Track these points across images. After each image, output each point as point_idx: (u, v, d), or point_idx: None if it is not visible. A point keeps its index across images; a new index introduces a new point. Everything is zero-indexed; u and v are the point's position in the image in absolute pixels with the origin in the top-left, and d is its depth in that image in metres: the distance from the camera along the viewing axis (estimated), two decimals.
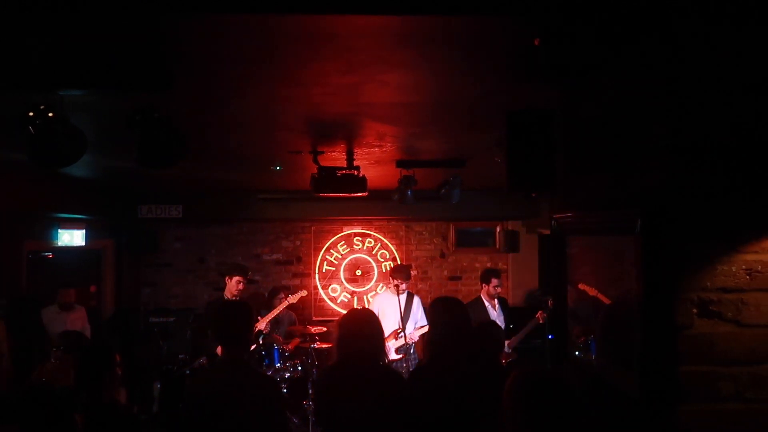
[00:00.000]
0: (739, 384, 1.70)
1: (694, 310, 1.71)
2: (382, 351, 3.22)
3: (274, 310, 6.40)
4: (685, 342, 1.71)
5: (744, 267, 1.71)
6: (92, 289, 7.70)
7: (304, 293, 6.73)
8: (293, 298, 6.50)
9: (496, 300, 6.13)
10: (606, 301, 2.30)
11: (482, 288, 6.18)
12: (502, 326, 6.07)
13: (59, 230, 6.79)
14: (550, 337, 5.86)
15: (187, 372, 6.09)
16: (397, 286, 6.04)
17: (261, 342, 6.12)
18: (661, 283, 1.73)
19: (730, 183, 1.69)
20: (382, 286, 8.56)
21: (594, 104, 2.26)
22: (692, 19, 1.70)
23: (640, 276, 1.78)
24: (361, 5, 1.71)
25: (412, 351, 6.05)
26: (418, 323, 6.13)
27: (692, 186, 1.70)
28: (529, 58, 2.14)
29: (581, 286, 2.55)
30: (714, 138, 1.70)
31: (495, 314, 6.11)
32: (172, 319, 7.82)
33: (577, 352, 2.73)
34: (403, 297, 6.07)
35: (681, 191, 1.71)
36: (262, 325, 6.19)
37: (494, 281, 6.00)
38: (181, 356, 6.68)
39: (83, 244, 7.17)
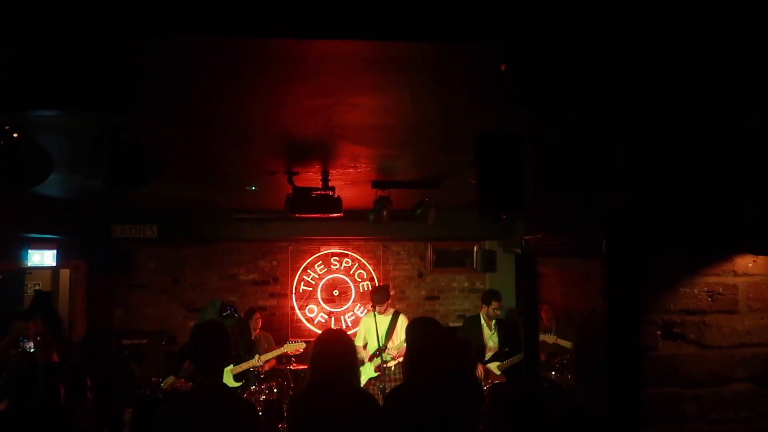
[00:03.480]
0: (702, 405, 1.72)
1: (658, 332, 1.73)
2: (356, 372, 3.20)
3: (274, 351, 6.26)
4: (649, 364, 1.72)
5: (706, 289, 1.74)
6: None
7: (302, 346, 6.36)
8: (289, 347, 6.29)
9: (492, 321, 6.26)
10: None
11: (482, 308, 6.31)
12: (494, 346, 6.20)
13: (29, 250, 6.65)
14: (525, 356, 5.89)
15: (160, 396, 5.97)
16: (374, 306, 6.12)
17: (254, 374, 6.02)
18: (625, 305, 1.75)
19: (692, 206, 1.73)
20: (359, 306, 8.56)
21: (561, 127, 2.30)
22: (651, 46, 1.75)
23: (605, 297, 1.80)
24: (329, 30, 1.72)
25: (393, 369, 6.03)
26: (397, 342, 6.13)
27: (655, 209, 1.74)
28: (497, 82, 2.18)
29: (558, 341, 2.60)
30: (675, 163, 1.74)
31: (489, 334, 6.20)
32: (144, 341, 7.68)
33: (552, 372, 2.74)
34: (386, 317, 6.16)
35: (644, 214, 1.74)
36: (260, 363, 6.04)
37: (494, 303, 6.23)
38: (153, 379, 6.55)
39: (54, 264, 7.03)
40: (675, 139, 1.74)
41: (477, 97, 2.47)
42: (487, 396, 2.10)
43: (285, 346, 6.29)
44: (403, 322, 6.25)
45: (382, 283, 8.62)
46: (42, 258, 6.83)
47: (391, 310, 6.28)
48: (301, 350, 6.34)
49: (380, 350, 5.98)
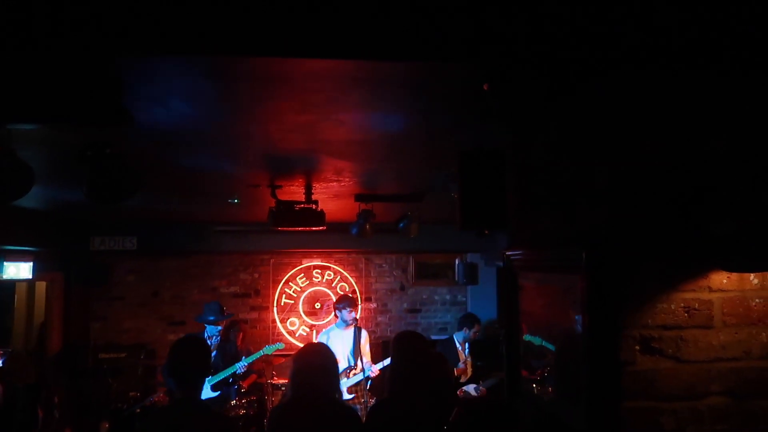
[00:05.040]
0: (680, 419, 1.76)
1: (637, 347, 1.77)
2: (337, 386, 3.20)
3: (255, 354, 6.20)
4: (628, 378, 1.75)
5: (682, 305, 1.79)
6: None
7: (281, 346, 6.47)
8: (269, 349, 6.26)
9: (466, 343, 6.30)
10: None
11: (463, 330, 6.28)
12: (466, 367, 6.21)
13: (5, 262, 6.51)
14: (506, 370, 5.92)
15: (138, 411, 5.88)
16: (355, 319, 5.97)
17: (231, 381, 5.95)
18: (604, 320, 1.79)
19: (669, 224, 1.77)
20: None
21: (542, 145, 2.35)
22: (628, 67, 1.80)
23: (585, 312, 1.84)
24: (314, 49, 1.75)
25: (367, 388, 5.92)
26: (365, 358, 5.98)
27: (634, 226, 1.78)
28: (479, 100, 2.22)
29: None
30: (653, 182, 1.79)
31: (464, 357, 6.22)
32: (122, 355, 7.57)
33: (534, 385, 2.77)
34: (351, 332, 5.95)
35: (623, 231, 1.78)
36: (245, 365, 5.98)
37: (477, 327, 6.30)
38: (131, 394, 6.45)
39: (30, 276, 6.90)
40: (653, 159, 1.79)
41: (460, 114, 2.51)
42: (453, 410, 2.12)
43: (264, 348, 6.23)
44: (366, 337, 6.08)
45: (364, 296, 8.61)
46: (18, 270, 6.70)
47: (353, 326, 6.04)
48: (281, 349, 6.36)
49: (351, 369, 5.85)
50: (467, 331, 6.28)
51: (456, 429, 2.08)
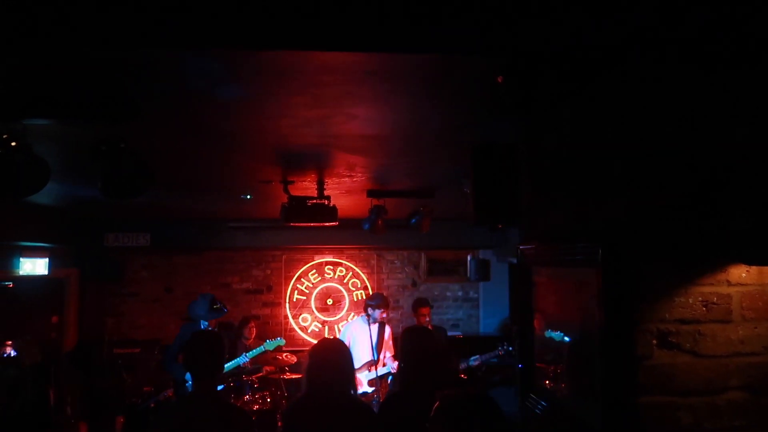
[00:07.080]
0: (697, 414, 1.73)
1: (654, 341, 1.75)
2: (352, 382, 3.20)
3: (256, 349, 6.21)
4: (645, 372, 1.73)
5: (700, 299, 1.76)
6: (54, 319, 7.48)
7: (282, 343, 6.48)
8: (269, 345, 6.29)
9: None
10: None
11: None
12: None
13: (21, 258, 6.61)
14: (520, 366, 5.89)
15: (152, 405, 5.93)
16: (369, 315, 5.95)
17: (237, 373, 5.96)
18: (621, 314, 1.77)
19: (687, 218, 1.75)
20: (353, 315, 8.50)
21: (556, 138, 2.33)
22: (644, 61, 1.78)
23: (602, 307, 1.82)
24: (326, 42, 1.74)
25: (389, 380, 5.92)
26: (390, 353, 6.04)
27: (650, 220, 1.76)
28: (492, 93, 2.20)
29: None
30: (670, 175, 1.76)
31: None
32: (137, 351, 7.64)
33: (547, 381, 2.75)
34: (376, 326, 5.98)
35: (640, 225, 1.76)
36: (246, 359, 6.00)
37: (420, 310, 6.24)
38: (145, 389, 6.51)
39: (46, 272, 6.98)
40: (669, 152, 1.76)
41: (473, 107, 2.49)
42: (435, 404, 2.07)
43: (266, 343, 6.19)
44: (390, 332, 6.12)
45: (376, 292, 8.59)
46: (34, 266, 6.79)
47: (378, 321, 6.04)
48: (282, 345, 6.34)
49: (374, 362, 5.86)
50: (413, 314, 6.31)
51: (436, 425, 2.03)
